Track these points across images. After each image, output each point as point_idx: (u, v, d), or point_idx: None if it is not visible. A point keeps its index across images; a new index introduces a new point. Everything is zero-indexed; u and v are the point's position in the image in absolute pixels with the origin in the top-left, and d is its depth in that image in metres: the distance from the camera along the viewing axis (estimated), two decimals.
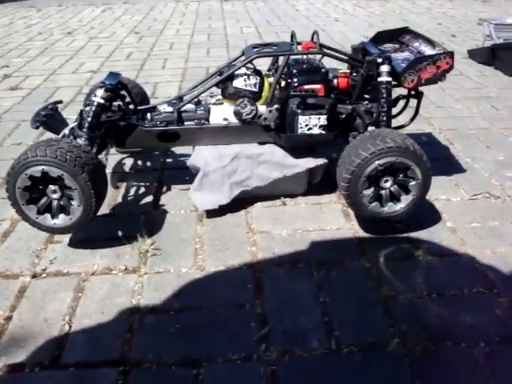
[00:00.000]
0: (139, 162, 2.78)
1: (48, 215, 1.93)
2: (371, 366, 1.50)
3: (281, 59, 2.22)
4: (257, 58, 2.17)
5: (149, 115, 2.26)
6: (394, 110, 2.31)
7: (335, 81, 2.26)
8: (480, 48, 4.83)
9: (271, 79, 2.26)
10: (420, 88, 2.30)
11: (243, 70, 2.22)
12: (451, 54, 2.14)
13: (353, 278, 1.86)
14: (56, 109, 2.18)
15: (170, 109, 2.27)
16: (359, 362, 1.51)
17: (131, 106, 2.32)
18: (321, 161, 2.27)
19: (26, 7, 8.45)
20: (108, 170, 2.47)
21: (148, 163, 2.76)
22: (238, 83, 2.20)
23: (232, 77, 2.20)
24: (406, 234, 2.10)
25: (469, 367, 1.49)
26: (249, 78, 2.21)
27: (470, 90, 3.94)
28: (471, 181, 2.54)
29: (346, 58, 2.29)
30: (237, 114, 2.17)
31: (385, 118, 2.14)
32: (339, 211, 2.28)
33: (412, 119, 2.41)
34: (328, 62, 2.34)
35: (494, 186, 2.48)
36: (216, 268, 1.92)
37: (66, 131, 2.09)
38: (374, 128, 2.12)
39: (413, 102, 2.38)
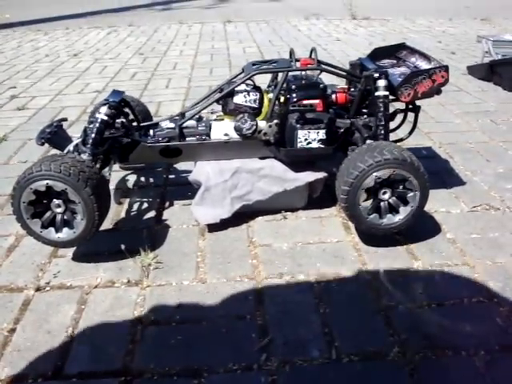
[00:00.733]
0: (142, 179, 2.82)
1: (52, 229, 1.96)
2: (372, 374, 1.50)
3: (280, 75, 2.27)
4: (256, 74, 2.22)
5: (151, 131, 2.31)
6: (393, 124, 2.34)
7: (333, 96, 2.30)
8: (479, 64, 4.88)
9: (271, 95, 2.31)
10: (418, 102, 2.35)
11: (243, 87, 2.27)
12: (446, 68, 2.18)
13: (353, 290, 1.87)
14: (61, 126, 2.23)
15: (172, 125, 2.32)
16: (360, 370, 1.51)
17: (134, 123, 2.37)
18: (320, 175, 2.30)
19: (34, 30, 8.63)
20: (111, 186, 2.52)
21: (151, 179, 2.80)
22: (239, 99, 2.25)
23: (232, 93, 2.25)
24: (405, 246, 2.12)
25: (469, 376, 1.49)
26: (249, 95, 2.26)
27: (469, 105, 3.98)
28: (471, 193, 2.55)
29: (343, 73, 2.33)
30: (237, 129, 2.21)
31: (382, 132, 2.17)
32: (339, 224, 2.31)
33: (410, 133, 2.44)
34: (327, 79, 2.39)
35: (493, 198, 2.50)
36: (217, 280, 1.94)
37: (71, 147, 2.13)
38: (371, 141, 2.15)
39: (411, 116, 2.42)
